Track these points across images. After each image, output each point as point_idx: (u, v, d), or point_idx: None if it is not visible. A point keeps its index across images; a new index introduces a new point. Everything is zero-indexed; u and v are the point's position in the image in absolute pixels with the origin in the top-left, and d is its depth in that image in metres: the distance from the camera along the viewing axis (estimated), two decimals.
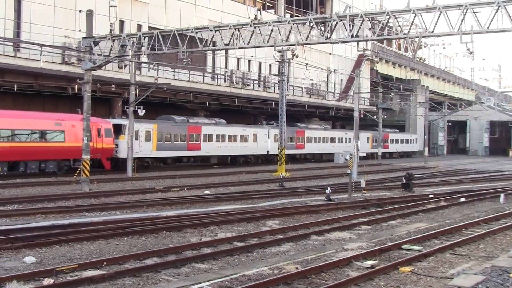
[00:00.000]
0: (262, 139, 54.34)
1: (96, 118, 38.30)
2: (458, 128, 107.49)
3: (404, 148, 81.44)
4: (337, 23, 24.89)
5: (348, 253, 15.07)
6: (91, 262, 13.24)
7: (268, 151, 54.89)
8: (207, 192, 29.71)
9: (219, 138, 49.52)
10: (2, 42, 37.03)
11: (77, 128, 35.81)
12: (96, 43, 30.34)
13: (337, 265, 13.72)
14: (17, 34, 39.10)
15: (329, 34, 25.41)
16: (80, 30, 38.46)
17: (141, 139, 41.96)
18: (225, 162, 52.04)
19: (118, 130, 40.41)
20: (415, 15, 23.18)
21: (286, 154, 53.92)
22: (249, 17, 27.42)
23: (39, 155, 34.99)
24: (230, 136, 50.72)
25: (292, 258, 14.61)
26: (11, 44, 37.97)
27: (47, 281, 11.65)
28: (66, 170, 36.68)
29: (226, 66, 56.70)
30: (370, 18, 25.19)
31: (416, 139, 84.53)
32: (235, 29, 27.03)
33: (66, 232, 16.63)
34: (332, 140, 65.71)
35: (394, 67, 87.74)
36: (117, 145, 40.20)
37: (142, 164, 42.89)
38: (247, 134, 52.80)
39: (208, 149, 48.39)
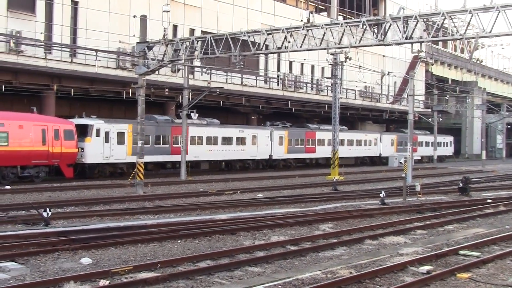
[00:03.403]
0: (263, 142, 48.78)
1: (52, 118, 34.54)
2: None
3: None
4: (390, 24, 24.55)
5: (403, 258, 14.79)
6: (145, 264, 13.35)
7: (270, 155, 49.70)
8: (260, 195, 29.69)
9: (211, 141, 43.92)
10: (59, 48, 37.94)
11: (26, 130, 31.48)
12: (149, 48, 30.77)
13: (392, 270, 13.47)
14: (74, 40, 40.00)
15: (383, 36, 25.09)
16: (134, 35, 39.27)
17: (113, 141, 36.80)
18: (219, 168, 46.90)
19: (83, 131, 35.55)
20: (472, 15, 22.66)
21: (293, 159, 52.73)
22: (301, 20, 27.32)
23: None
24: (224, 139, 45.18)
25: (346, 262, 14.43)
26: (68, 50, 38.89)
27: (103, 282, 11.80)
28: (13, 178, 31.66)
29: (278, 70, 56.68)
30: (425, 19, 24.74)
31: (450, 141, 78.21)
32: (287, 32, 26.98)
33: (121, 234, 16.85)
34: (349, 142, 59.10)
35: (449, 69, 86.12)
36: (82, 149, 35.14)
37: (115, 171, 37.96)
38: (245, 136, 47.16)
39: (197, 153, 42.80)
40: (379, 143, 63.84)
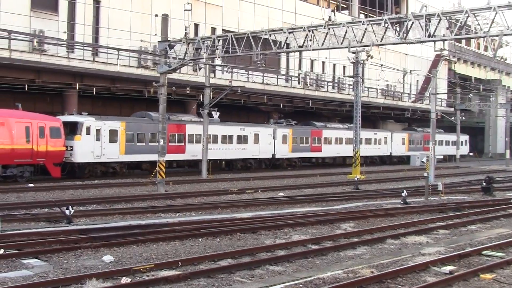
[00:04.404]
0: (266, 140, 46.79)
1: (37, 114, 32.68)
2: None
3: (448, 151, 69.55)
4: (413, 23, 24.41)
5: (425, 258, 14.67)
6: (166, 263, 13.40)
7: (274, 154, 47.82)
8: (281, 194, 29.66)
9: (210, 139, 41.14)
10: (81, 47, 38.25)
11: (7, 127, 29.90)
12: (171, 47, 30.91)
13: (414, 270, 13.37)
14: (96, 39, 40.28)
15: (405, 35, 24.96)
16: (155, 34, 39.35)
17: (104, 139, 35.11)
18: (219, 167, 44.34)
19: (73, 129, 34.06)
20: (496, 13, 22.43)
21: (298, 159, 51.15)
22: (323, 19, 27.30)
23: None
24: (224, 137, 43.14)
25: (367, 261, 14.35)
26: (90, 49, 39.16)
27: (125, 280, 11.86)
28: None
29: (300, 68, 56.56)
30: (448, 17, 24.55)
31: (466, 140, 74.33)
32: (309, 30, 26.94)
33: (142, 233, 16.93)
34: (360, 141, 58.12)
35: (473, 67, 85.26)
36: (71, 147, 33.56)
37: (107, 171, 36.47)
38: (246, 134, 45.15)
39: (195, 151, 40.41)
40: (389, 141, 61.84)
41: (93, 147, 34.43)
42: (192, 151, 40.47)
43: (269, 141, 47.17)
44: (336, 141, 54.39)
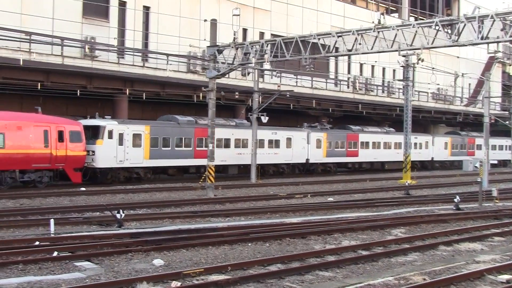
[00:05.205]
0: (299, 145, 45.42)
1: (57, 118, 31.99)
2: None
3: (496, 156, 63.43)
4: (465, 25, 23.92)
5: (480, 266, 14.28)
6: (216, 267, 13.39)
7: (307, 159, 46.47)
8: (330, 199, 29.44)
9: (240, 143, 40.95)
10: (131, 53, 38.81)
11: (25, 131, 29.31)
12: (220, 52, 31.04)
13: (468, 278, 13.01)
14: (145, 44, 40.83)
15: (457, 37, 24.46)
16: (204, 39, 39.69)
17: (128, 144, 34.32)
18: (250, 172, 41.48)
19: (95, 133, 33.31)
20: None
21: (333, 164, 49.80)
22: (372, 22, 26.98)
23: None
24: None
25: (419, 268, 14.05)
26: (140, 54, 39.72)
27: (175, 283, 11.89)
28: (12, 183, 29.54)
29: (349, 72, 56.14)
30: (502, 18, 23.92)
31: (510, 145, 71.17)
32: (358, 34, 26.69)
33: (192, 237, 17.00)
34: (397, 145, 53.63)
35: None
36: (93, 151, 32.81)
37: (131, 176, 35.57)
38: (278, 138, 43.97)
39: (224, 156, 39.29)
40: (430, 146, 59.62)
41: (115, 152, 33.67)
42: (221, 156, 38.52)
43: (302, 145, 45.86)
44: (373, 145, 52.82)
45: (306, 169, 47.51)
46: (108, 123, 33.71)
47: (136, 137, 34.99)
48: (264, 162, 42.35)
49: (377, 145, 53.06)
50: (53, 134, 30.23)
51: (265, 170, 43.53)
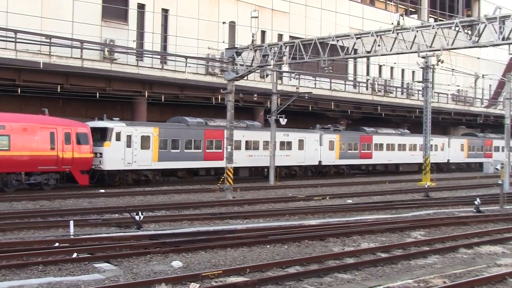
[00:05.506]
0: (311, 147, 44.66)
1: (64, 120, 31.75)
2: None
3: None
4: (485, 25, 23.70)
5: (501, 269, 14.10)
6: (235, 269, 13.37)
7: (320, 161, 45.62)
8: (349, 201, 29.30)
9: (250, 145, 40.18)
10: (150, 55, 39.01)
11: (30, 133, 28.96)
12: (238, 54, 31.07)
13: (490, 281, 12.85)
14: (164, 47, 41.04)
15: (477, 38, 24.25)
16: (223, 42, 39.68)
17: (136, 146, 33.89)
18: (261, 175, 42.17)
19: (102, 135, 32.94)
20: None
21: (346, 166, 48.94)
22: (391, 23, 26.82)
23: None
24: (266, 143, 40.76)
25: (439, 271, 13.92)
26: (159, 57, 39.91)
27: (193, 285, 11.88)
28: (17, 186, 29.37)
29: (367, 74, 55.94)
30: None
31: None
32: (377, 36, 26.57)
33: (210, 239, 16.99)
34: (412, 147, 53.59)
35: None
36: (100, 154, 32.45)
37: (139, 179, 35.21)
38: (290, 140, 43.16)
39: (235, 158, 35.78)
40: (446, 148, 58.59)
41: (123, 154, 33.27)
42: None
43: (315, 147, 45.08)
44: (388, 147, 51.89)
45: (319, 171, 47.06)
46: (115, 125, 33.39)
47: (145, 139, 34.59)
48: (276, 164, 40.95)
49: (391, 147, 52.31)
50: (60, 136, 30.02)
51: (277, 172, 42.46)
